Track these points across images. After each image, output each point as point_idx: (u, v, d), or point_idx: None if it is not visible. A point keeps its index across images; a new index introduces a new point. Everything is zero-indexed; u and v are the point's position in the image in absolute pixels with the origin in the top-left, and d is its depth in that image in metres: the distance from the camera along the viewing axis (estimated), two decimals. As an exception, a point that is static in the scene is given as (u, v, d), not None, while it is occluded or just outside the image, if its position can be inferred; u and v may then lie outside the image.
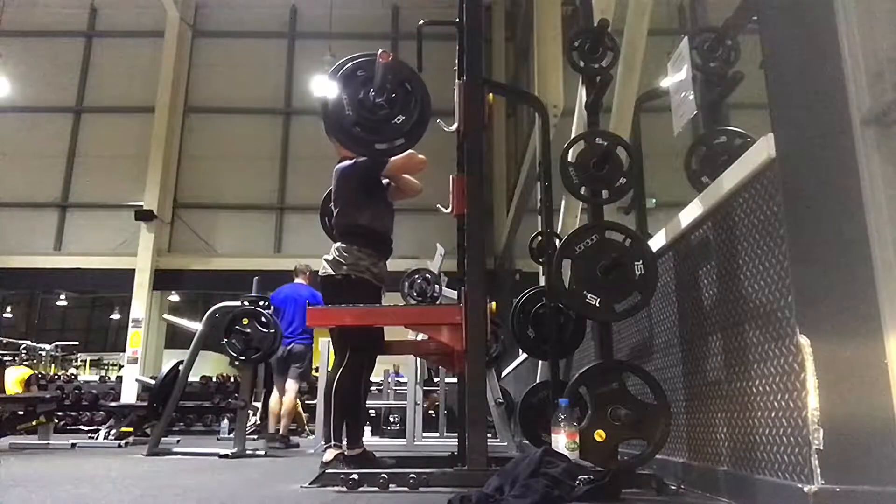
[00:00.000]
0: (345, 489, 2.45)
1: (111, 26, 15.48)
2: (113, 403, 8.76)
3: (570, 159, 2.54)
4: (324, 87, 2.97)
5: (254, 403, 6.78)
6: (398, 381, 8.67)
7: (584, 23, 2.97)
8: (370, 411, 7.91)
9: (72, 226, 14.37)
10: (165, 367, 5.59)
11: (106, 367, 22.25)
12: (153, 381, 5.95)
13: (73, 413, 9.90)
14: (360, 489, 2.46)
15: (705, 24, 4.36)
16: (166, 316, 8.47)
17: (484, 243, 2.76)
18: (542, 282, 4.06)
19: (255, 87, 15.06)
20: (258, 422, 7.59)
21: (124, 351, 13.33)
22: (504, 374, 8.09)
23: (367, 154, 3.18)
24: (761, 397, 1.86)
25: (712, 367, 2.25)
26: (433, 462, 3.16)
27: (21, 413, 5.60)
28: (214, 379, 11.94)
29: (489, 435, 2.83)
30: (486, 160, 6.49)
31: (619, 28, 4.90)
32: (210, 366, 14.29)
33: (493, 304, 3.07)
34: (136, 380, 10.12)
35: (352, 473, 2.51)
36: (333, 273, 3.18)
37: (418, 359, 5.84)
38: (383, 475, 2.48)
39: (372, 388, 7.42)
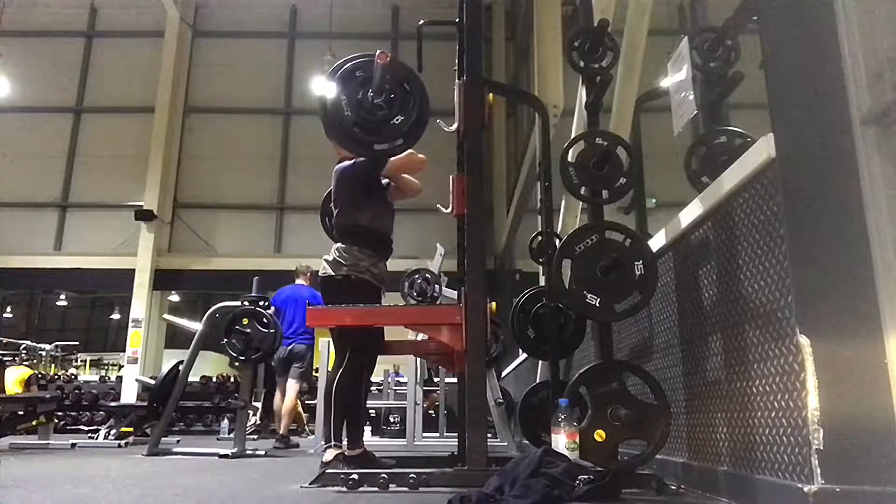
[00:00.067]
0: (345, 489, 2.45)
1: (111, 26, 15.49)
2: (113, 403, 8.76)
3: (570, 159, 2.54)
4: (323, 87, 2.96)
5: (254, 403, 6.79)
6: (398, 381, 8.67)
7: (584, 23, 2.97)
8: (370, 411, 7.91)
9: (72, 226, 14.37)
10: (165, 367, 5.59)
11: (106, 367, 22.25)
12: (153, 381, 5.95)
13: (73, 413, 9.90)
14: (360, 489, 2.46)
15: (705, 24, 4.36)
16: (166, 316, 8.47)
17: (484, 243, 2.76)
18: (542, 282, 4.06)
19: (255, 87, 15.07)
20: (258, 422, 7.59)
21: (124, 351, 13.33)
22: (504, 374, 8.09)
23: (366, 155, 3.18)
24: (761, 397, 1.86)
25: (712, 367, 2.25)
26: (433, 462, 3.16)
27: (21, 413, 5.60)
28: (214, 379, 11.94)
29: (489, 435, 2.83)
30: (486, 160, 6.49)
31: (619, 28, 4.90)
32: (210, 366, 14.29)
33: (493, 304, 3.07)
34: (136, 380, 10.12)
35: (352, 473, 2.51)
36: (333, 273, 3.18)
37: (418, 359, 5.84)
38: (383, 475, 2.48)
39: (372, 388, 7.43)
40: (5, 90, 13.36)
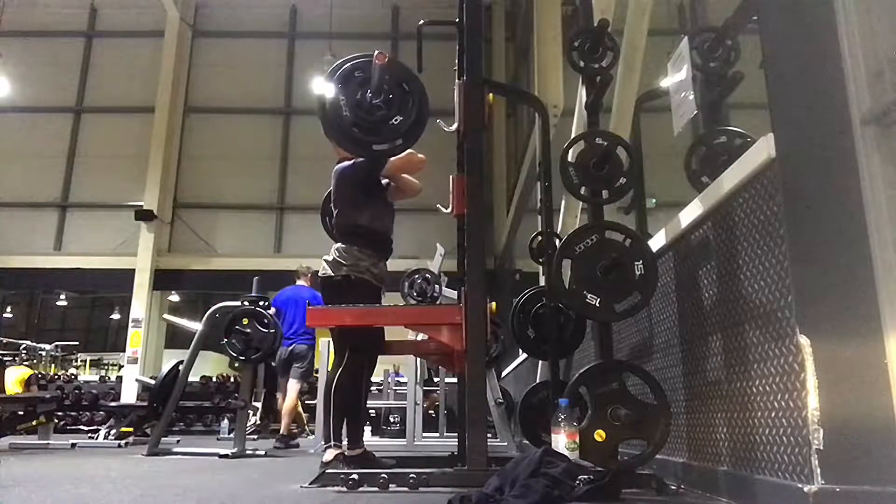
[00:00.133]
0: (345, 489, 2.45)
1: (111, 26, 15.50)
2: (113, 403, 8.75)
3: (570, 159, 2.54)
4: (322, 87, 2.96)
5: (254, 403, 6.78)
6: (398, 381, 8.67)
7: (584, 23, 2.97)
8: (370, 411, 7.91)
9: (72, 226, 14.38)
10: (165, 367, 5.59)
11: (106, 367, 22.25)
12: (153, 381, 5.95)
13: (73, 413, 9.90)
14: (360, 489, 2.46)
15: (705, 24, 4.37)
16: (166, 316, 8.47)
17: (484, 243, 2.76)
18: (542, 282, 4.06)
19: (255, 87, 15.07)
20: (258, 422, 7.59)
21: (124, 351, 13.33)
22: (504, 374, 8.09)
23: (365, 155, 3.18)
24: (761, 397, 1.86)
25: (712, 367, 2.25)
26: (433, 462, 3.16)
27: (21, 413, 5.60)
28: (214, 379, 11.94)
29: (489, 435, 2.83)
30: (486, 160, 6.49)
31: (619, 28, 4.90)
32: (210, 366, 14.29)
33: (493, 304, 3.07)
34: (136, 380, 10.12)
35: (352, 473, 2.51)
36: (333, 274, 3.17)
37: (418, 359, 5.84)
38: (383, 475, 2.48)
39: (372, 388, 7.43)
40: (5, 90, 13.36)
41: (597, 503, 1.97)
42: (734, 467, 2.04)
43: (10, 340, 14.44)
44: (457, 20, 3.17)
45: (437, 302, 5.49)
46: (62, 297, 21.74)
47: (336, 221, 3.38)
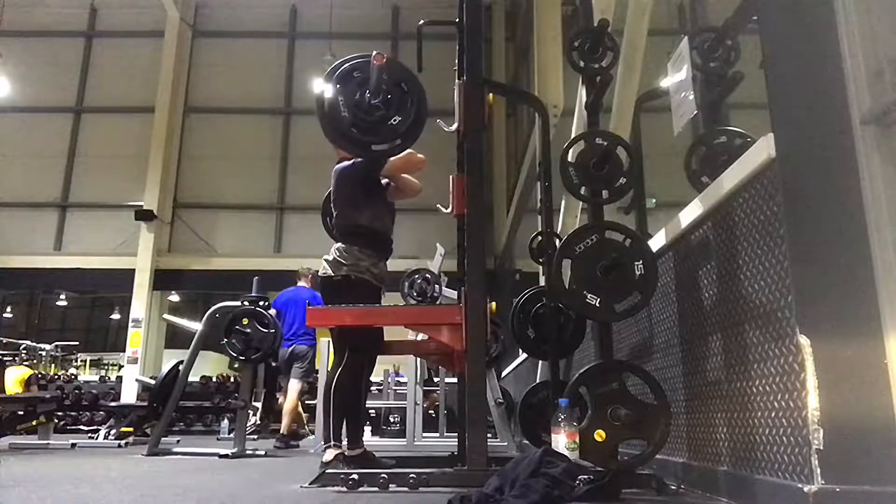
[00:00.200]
0: (345, 489, 2.45)
1: (111, 26, 15.50)
2: (113, 403, 8.76)
3: (570, 159, 2.54)
4: (321, 87, 2.96)
5: (254, 403, 6.78)
6: (398, 381, 8.66)
7: (584, 23, 2.97)
8: (370, 411, 7.91)
9: (72, 226, 14.38)
10: (165, 367, 5.59)
11: (106, 367, 22.26)
12: (153, 381, 5.95)
13: (73, 413, 9.90)
14: (360, 489, 2.46)
15: (705, 24, 4.37)
16: (166, 316, 8.47)
17: (484, 243, 2.76)
18: (542, 282, 4.06)
19: (255, 87, 15.08)
20: (258, 422, 7.59)
21: (124, 351, 13.34)
22: (504, 374, 8.09)
23: (364, 155, 3.18)
24: (761, 397, 1.86)
25: (712, 367, 2.25)
26: (433, 462, 3.16)
27: (21, 413, 5.60)
28: (214, 379, 11.94)
29: (489, 435, 2.83)
30: (486, 160, 6.49)
31: (619, 28, 4.90)
32: (210, 366, 14.30)
33: (493, 304, 3.07)
34: (136, 380, 10.12)
35: (352, 473, 2.51)
36: (333, 274, 3.17)
37: (418, 359, 5.84)
38: (383, 475, 2.48)
39: (372, 388, 7.43)
40: (5, 90, 13.37)
41: (597, 503, 1.97)
42: (734, 467, 2.04)
43: (10, 340, 14.45)
44: (457, 20, 3.17)
45: (437, 302, 5.49)
46: (62, 297, 21.75)
47: (336, 221, 3.38)
